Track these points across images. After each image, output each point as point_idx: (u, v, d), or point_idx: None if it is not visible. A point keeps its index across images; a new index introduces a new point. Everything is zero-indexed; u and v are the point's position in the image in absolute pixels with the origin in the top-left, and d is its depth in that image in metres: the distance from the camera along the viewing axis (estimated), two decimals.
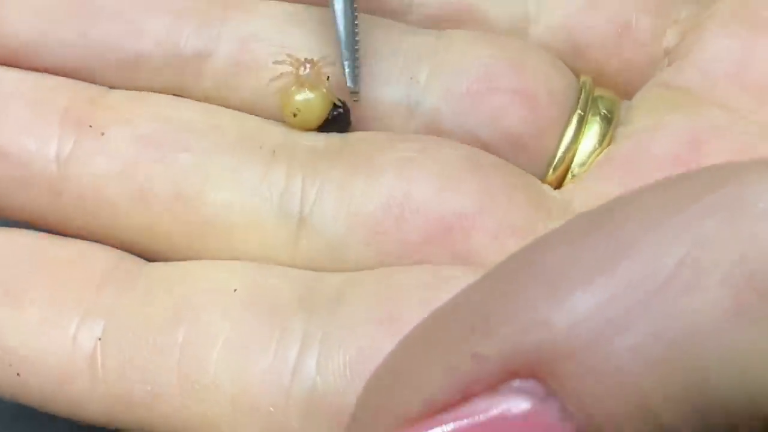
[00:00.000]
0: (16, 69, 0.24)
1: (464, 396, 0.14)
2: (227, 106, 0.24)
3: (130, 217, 0.23)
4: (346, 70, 0.24)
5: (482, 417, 0.14)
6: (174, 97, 0.24)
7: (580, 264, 0.14)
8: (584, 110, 0.24)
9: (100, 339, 0.21)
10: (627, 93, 0.25)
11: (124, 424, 0.21)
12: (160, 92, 0.24)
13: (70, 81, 0.24)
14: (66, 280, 0.22)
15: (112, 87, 0.24)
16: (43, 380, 0.21)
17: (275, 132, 0.24)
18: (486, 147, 0.24)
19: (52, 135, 0.23)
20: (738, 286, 0.14)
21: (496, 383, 0.14)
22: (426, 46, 0.24)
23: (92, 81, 0.24)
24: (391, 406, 0.14)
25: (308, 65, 0.24)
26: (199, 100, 0.24)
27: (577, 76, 0.25)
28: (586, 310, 0.14)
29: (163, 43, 0.24)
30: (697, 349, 0.14)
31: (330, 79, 0.24)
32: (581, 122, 0.24)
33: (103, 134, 0.23)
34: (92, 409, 0.21)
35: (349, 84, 0.24)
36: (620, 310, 0.14)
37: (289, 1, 0.25)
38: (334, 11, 0.24)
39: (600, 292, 0.14)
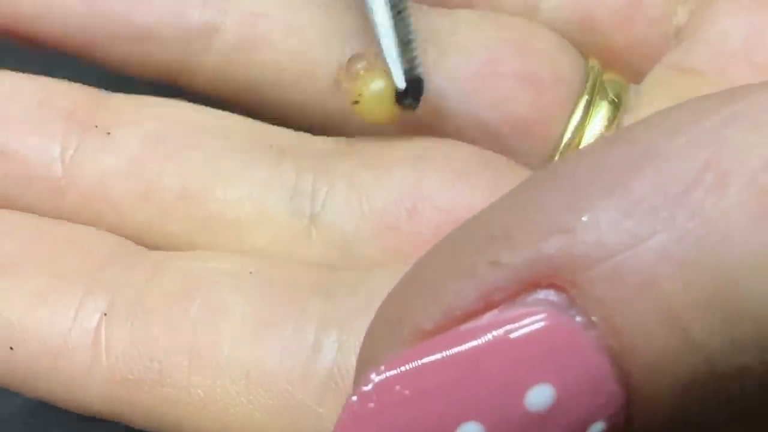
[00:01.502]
0: (17, 73, 0.24)
1: (484, 306, 0.14)
2: (234, 85, 0.24)
3: (135, 213, 0.23)
4: (392, 67, 0.22)
5: (503, 328, 0.14)
6: (179, 101, 0.24)
7: (603, 171, 0.14)
8: (591, 95, 0.24)
9: (105, 314, 0.20)
10: (636, 72, 0.24)
11: (124, 409, 0.20)
12: (166, 68, 0.24)
13: (74, 84, 0.24)
14: (69, 256, 0.22)
15: (119, 60, 0.24)
16: (39, 356, 0.20)
17: (284, 133, 0.24)
18: (491, 131, 0.24)
19: (57, 135, 0.23)
20: (764, 189, 0.13)
21: (516, 292, 0.14)
22: (433, 27, 0.24)
23: (97, 54, 0.24)
24: (408, 317, 0.14)
25: (356, 59, 0.23)
26: (205, 77, 0.24)
27: (586, 58, 0.25)
28: (610, 215, 0.13)
29: (171, 17, 0.24)
30: (725, 251, 0.13)
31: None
32: (588, 107, 0.24)
33: (109, 134, 0.23)
34: (90, 391, 0.20)
35: (398, 84, 0.22)
36: (645, 214, 0.13)
37: None
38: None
39: (624, 197, 0.14)
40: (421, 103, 0.23)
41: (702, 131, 0.14)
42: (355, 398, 0.13)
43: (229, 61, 0.24)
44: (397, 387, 0.13)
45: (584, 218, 0.13)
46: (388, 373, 0.13)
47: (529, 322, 0.14)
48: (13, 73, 0.24)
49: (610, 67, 0.25)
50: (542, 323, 0.14)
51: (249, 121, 0.24)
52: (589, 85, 0.24)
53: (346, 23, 0.24)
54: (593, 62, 0.24)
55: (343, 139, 0.24)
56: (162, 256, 0.22)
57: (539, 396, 0.13)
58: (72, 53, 0.24)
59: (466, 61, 0.24)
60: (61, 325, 0.21)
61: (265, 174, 0.22)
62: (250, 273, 0.21)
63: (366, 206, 0.22)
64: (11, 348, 0.20)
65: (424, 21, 0.24)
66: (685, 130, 0.14)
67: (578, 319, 0.14)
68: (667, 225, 0.13)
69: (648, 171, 0.14)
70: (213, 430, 0.20)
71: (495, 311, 0.14)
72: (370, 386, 0.13)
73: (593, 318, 0.14)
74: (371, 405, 0.13)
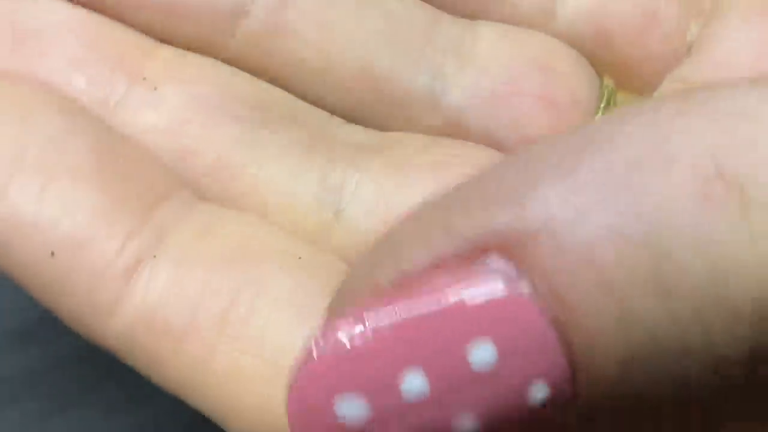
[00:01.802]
0: (68, 4, 0.23)
1: (437, 270, 0.14)
2: (258, 74, 0.24)
3: None
4: None
5: (450, 289, 0.14)
6: (225, 64, 0.24)
7: (557, 153, 0.15)
8: (604, 115, 0.25)
9: (152, 256, 0.21)
10: (649, 86, 0.25)
11: (140, 355, 0.20)
12: (189, 47, 0.24)
13: (122, 26, 0.23)
14: (132, 181, 0.22)
15: (143, 31, 0.24)
16: (75, 273, 0.20)
17: (320, 117, 0.24)
18: (505, 151, 0.24)
19: (104, 79, 0.23)
20: (706, 176, 0.14)
21: (467, 259, 0.14)
22: (454, 39, 0.25)
23: (122, 20, 0.23)
24: (367, 278, 0.15)
25: None
26: (228, 62, 0.24)
27: (601, 76, 0.25)
28: (557, 191, 0.14)
29: None
30: (664, 228, 0.14)
31: None
32: None
33: (156, 89, 0.23)
34: (111, 327, 0.20)
35: None
36: (592, 192, 0.14)
37: None
38: None
39: (573, 176, 0.14)
40: None
41: (654, 119, 0.15)
42: (310, 347, 0.14)
43: (252, 49, 0.24)
44: (347, 340, 0.14)
45: (533, 193, 0.14)
46: (342, 327, 0.14)
47: (476, 287, 0.14)
48: (64, 3, 0.23)
49: (624, 81, 0.25)
50: (489, 288, 0.14)
51: (289, 96, 0.24)
52: (602, 107, 0.25)
53: (378, 21, 0.24)
54: (608, 81, 0.25)
55: (374, 133, 0.24)
56: (215, 212, 0.22)
57: (483, 355, 0.14)
58: None
59: (486, 78, 0.24)
60: (106, 252, 0.21)
61: (296, 160, 0.23)
62: (299, 258, 0.21)
63: (386, 210, 0.23)
64: (52, 253, 0.20)
65: (444, 32, 0.25)
66: (636, 119, 0.15)
67: (525, 288, 0.14)
68: (611, 203, 0.14)
69: (596, 152, 0.14)
70: (223, 407, 0.20)
71: (445, 274, 0.14)
72: (323, 339, 0.14)
73: (540, 288, 0.14)
74: (325, 356, 0.14)
